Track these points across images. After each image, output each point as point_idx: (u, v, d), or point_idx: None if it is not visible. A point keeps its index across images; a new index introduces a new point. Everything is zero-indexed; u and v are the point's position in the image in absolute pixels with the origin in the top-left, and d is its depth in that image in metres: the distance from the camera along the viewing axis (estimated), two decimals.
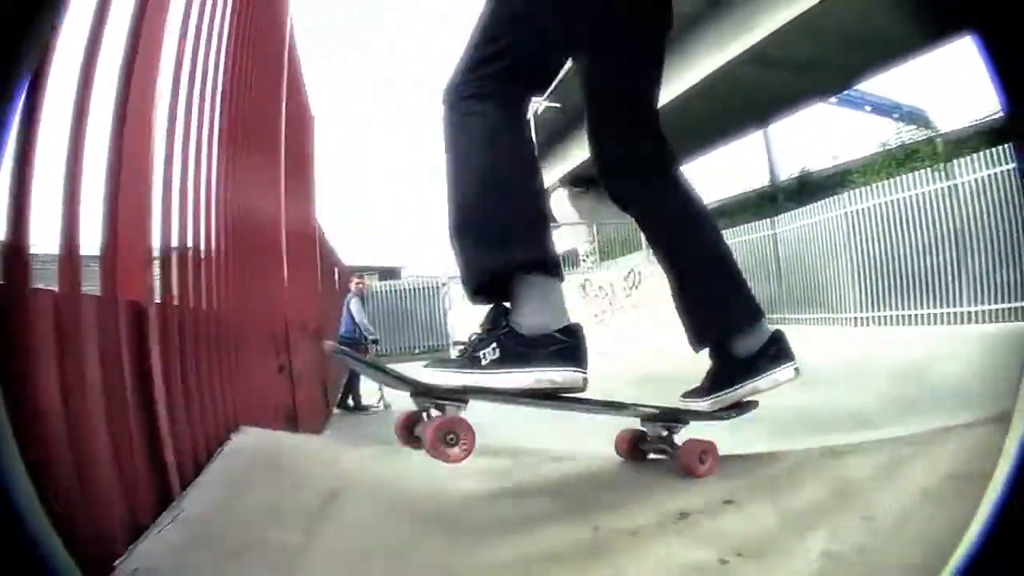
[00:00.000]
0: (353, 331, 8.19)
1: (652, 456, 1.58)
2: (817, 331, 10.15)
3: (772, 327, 1.51)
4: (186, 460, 1.54)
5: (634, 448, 1.59)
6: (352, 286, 8.56)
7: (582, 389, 1.30)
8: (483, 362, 1.24)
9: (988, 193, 8.19)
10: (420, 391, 1.28)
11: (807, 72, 17.32)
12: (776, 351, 1.48)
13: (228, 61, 2.51)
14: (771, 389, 1.47)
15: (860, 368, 6.97)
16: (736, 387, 1.48)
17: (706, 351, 1.57)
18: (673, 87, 16.59)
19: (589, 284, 13.07)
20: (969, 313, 8.47)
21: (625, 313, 12.52)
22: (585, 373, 1.28)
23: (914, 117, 23.15)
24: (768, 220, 12.63)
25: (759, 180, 26.35)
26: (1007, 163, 7.89)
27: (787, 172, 25.19)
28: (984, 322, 8.21)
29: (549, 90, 1.38)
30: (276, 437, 2.21)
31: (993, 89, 0.61)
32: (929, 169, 9.53)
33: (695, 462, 1.40)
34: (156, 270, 1.72)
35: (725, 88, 17.31)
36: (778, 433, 1.76)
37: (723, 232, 1.63)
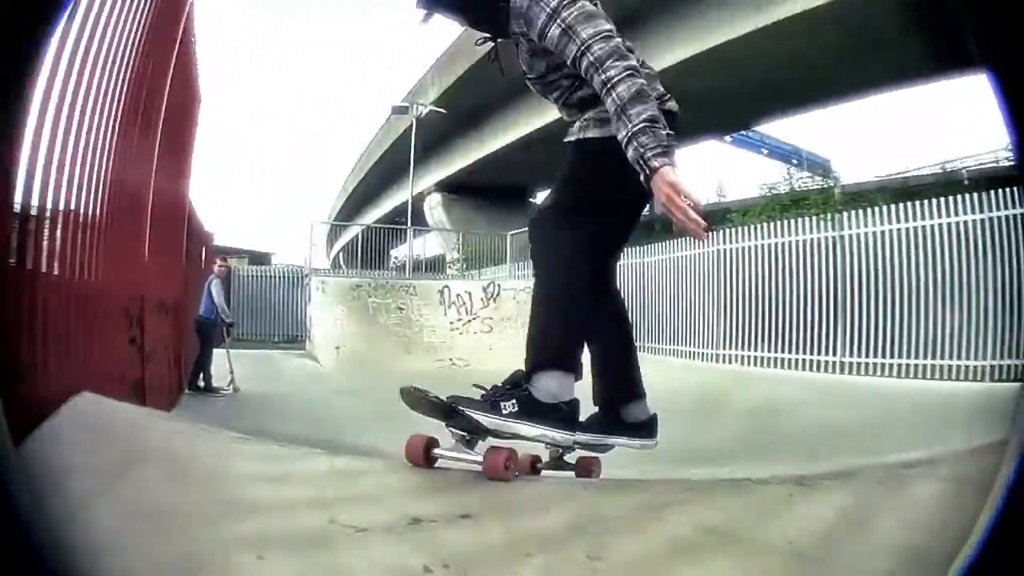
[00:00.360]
0: (211, 313, 7.92)
1: (545, 472, 1.96)
2: (672, 362, 10.19)
3: (652, 410, 1.98)
4: (19, 419, 1.58)
5: (533, 468, 1.97)
6: (215, 268, 8.28)
7: (571, 448, 1.82)
8: (503, 412, 1.64)
9: (878, 248, 8.03)
10: (461, 427, 1.67)
11: (706, 108, 16.67)
12: (650, 427, 1.96)
13: (117, 31, 2.51)
14: (634, 449, 1.95)
15: (709, 404, 6.97)
16: (616, 437, 1.92)
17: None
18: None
19: (448, 291, 12.71)
20: (841, 363, 8.29)
21: (481, 324, 12.33)
22: (575, 436, 1.73)
23: (814, 165, 22.98)
24: (636, 248, 12.17)
25: None
26: (903, 222, 7.84)
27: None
28: (856, 374, 8.08)
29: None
30: (109, 405, 2.22)
31: (1005, 129, 0.61)
32: (816, 217, 9.36)
33: (590, 470, 1.94)
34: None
35: None
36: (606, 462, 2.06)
37: None
